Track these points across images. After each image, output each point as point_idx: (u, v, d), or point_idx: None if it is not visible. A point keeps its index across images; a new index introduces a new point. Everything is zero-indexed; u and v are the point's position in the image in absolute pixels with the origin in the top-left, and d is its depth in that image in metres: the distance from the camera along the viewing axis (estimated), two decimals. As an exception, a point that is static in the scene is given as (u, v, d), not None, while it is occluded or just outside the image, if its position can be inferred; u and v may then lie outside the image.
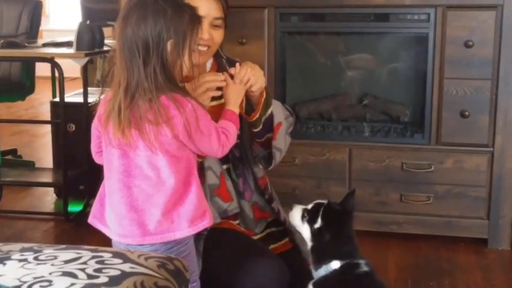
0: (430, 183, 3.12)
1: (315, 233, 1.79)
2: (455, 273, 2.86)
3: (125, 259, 1.45)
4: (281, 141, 2.01)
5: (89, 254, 1.46)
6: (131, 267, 1.40)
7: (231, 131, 1.74)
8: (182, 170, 1.65)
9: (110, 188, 1.68)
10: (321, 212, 1.79)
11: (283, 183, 3.13)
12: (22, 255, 1.46)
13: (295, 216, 1.86)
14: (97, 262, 1.41)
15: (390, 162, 3.14)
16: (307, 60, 3.40)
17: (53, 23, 8.05)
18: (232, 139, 1.74)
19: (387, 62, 3.38)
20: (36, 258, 1.44)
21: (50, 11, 8.19)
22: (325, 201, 1.83)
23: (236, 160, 2.05)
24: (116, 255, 1.46)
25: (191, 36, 1.66)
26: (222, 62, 2.06)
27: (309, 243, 1.82)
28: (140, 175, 1.64)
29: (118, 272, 1.37)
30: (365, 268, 1.76)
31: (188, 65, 1.67)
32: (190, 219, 1.65)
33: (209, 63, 2.06)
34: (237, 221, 2.04)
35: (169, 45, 1.62)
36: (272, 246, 2.05)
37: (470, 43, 2.96)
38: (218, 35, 1.95)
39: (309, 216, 1.81)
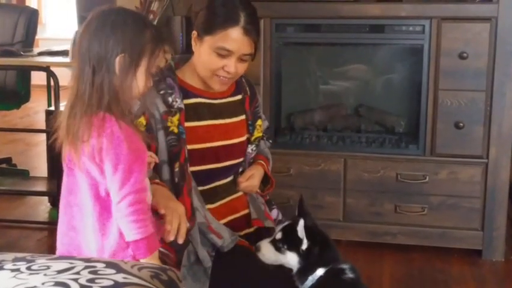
0: (425, 194, 3.12)
1: (304, 255, 1.78)
2: (449, 284, 2.86)
3: (118, 269, 1.44)
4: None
5: (82, 264, 1.45)
6: (124, 278, 1.40)
7: (144, 215, 1.57)
8: (105, 196, 1.59)
9: (60, 205, 1.68)
10: (304, 233, 1.77)
11: (277, 194, 3.09)
12: (15, 264, 1.45)
13: (267, 252, 1.82)
14: (90, 272, 1.41)
15: (385, 173, 3.15)
16: (302, 71, 3.41)
17: (49, 31, 8.06)
18: (143, 213, 1.56)
19: (382, 73, 3.39)
20: (29, 268, 1.43)
21: (46, 19, 8.20)
22: (289, 221, 1.83)
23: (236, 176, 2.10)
24: (109, 265, 1.46)
25: (150, 57, 1.60)
26: (242, 81, 2.11)
27: (297, 266, 1.80)
28: (79, 194, 1.62)
29: (111, 283, 1.36)
30: (350, 275, 1.77)
31: (141, 86, 1.60)
32: (111, 253, 1.60)
33: None
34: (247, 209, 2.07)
35: (121, 59, 1.56)
36: None
37: (465, 55, 2.97)
38: (242, 68, 1.98)
39: (289, 243, 1.79)
